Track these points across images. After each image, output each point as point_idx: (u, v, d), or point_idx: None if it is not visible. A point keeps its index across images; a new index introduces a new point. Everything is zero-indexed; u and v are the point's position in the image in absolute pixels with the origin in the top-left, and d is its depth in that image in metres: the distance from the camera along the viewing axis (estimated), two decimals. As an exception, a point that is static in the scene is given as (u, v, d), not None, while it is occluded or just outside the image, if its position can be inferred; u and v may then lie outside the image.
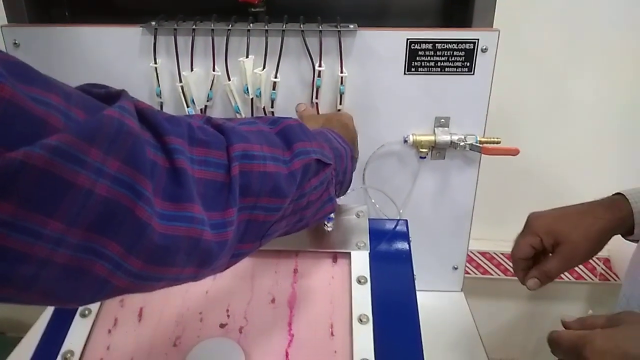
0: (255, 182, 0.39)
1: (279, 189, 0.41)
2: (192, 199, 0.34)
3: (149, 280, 0.33)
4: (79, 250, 0.28)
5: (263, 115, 0.74)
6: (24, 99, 0.25)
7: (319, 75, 0.71)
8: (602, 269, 1.19)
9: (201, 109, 0.74)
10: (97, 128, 0.27)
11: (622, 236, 0.62)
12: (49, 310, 0.78)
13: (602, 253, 1.15)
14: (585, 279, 1.20)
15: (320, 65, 0.70)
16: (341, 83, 0.71)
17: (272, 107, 0.73)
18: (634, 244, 0.66)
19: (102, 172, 0.27)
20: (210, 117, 0.41)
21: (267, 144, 0.41)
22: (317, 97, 0.72)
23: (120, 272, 0.31)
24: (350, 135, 0.61)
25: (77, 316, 0.56)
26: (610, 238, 0.61)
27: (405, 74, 0.73)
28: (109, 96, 0.31)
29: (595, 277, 1.20)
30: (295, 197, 0.44)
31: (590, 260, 1.18)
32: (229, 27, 0.69)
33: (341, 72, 0.71)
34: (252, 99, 0.72)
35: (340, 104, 0.73)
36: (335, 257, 0.63)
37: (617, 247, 1.14)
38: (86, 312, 0.56)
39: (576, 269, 1.19)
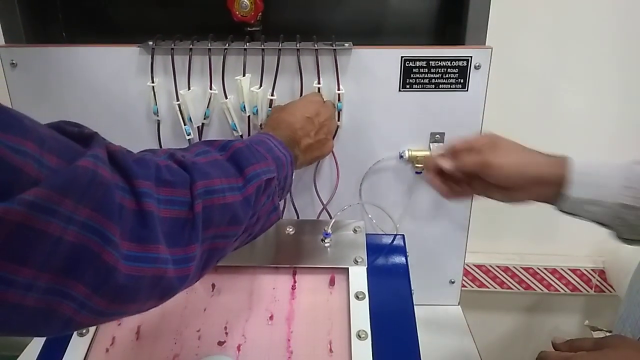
0: (216, 215, 0.41)
1: (237, 216, 0.44)
2: (157, 240, 0.36)
3: (111, 316, 0.35)
4: (48, 293, 0.30)
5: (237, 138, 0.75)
6: (2, 148, 0.26)
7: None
8: (597, 280, 1.19)
9: (198, 127, 0.75)
10: (71, 180, 0.29)
11: (553, 203, 0.60)
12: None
13: (597, 265, 1.17)
14: (581, 291, 1.21)
15: (319, 82, 0.71)
16: (339, 100, 0.72)
17: (268, 124, 0.74)
18: (630, 257, 0.66)
19: (72, 220, 0.29)
20: (173, 153, 0.43)
21: (224, 175, 0.44)
22: None
23: (85, 310, 0.32)
24: (288, 134, 0.60)
25: (74, 335, 0.56)
26: (536, 181, 0.59)
27: (400, 90, 0.74)
28: (82, 136, 0.33)
29: (591, 289, 1.21)
30: (249, 218, 0.46)
31: (586, 272, 1.19)
32: (225, 46, 0.70)
33: (338, 90, 0.72)
34: (249, 116, 0.73)
35: (339, 120, 0.74)
36: (333, 273, 0.63)
37: (612, 259, 1.15)
38: (84, 331, 0.56)
39: (571, 280, 1.20)
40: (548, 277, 1.20)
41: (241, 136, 0.75)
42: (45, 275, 0.29)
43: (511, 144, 0.62)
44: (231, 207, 0.43)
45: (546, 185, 0.59)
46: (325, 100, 0.71)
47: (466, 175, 0.61)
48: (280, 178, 0.52)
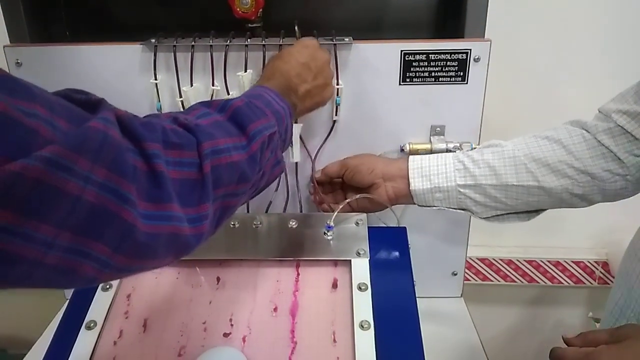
0: (225, 174, 0.42)
1: (244, 174, 0.45)
2: (171, 199, 0.36)
3: (131, 272, 0.37)
4: (69, 252, 0.30)
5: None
6: (14, 111, 0.27)
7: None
8: (600, 272, 1.20)
9: (201, 123, 0.75)
10: (84, 139, 0.30)
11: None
12: (53, 325, 0.78)
13: (600, 257, 1.17)
14: (584, 283, 1.21)
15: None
16: (337, 94, 0.73)
17: (270, 119, 0.75)
18: (632, 249, 0.67)
19: (90, 180, 0.30)
20: (176, 117, 0.43)
21: (228, 135, 0.44)
22: None
23: (108, 269, 0.33)
24: (284, 83, 0.59)
25: (82, 329, 0.56)
26: (386, 176, 0.71)
27: (400, 84, 0.74)
28: (90, 103, 0.34)
29: (594, 281, 1.21)
30: (256, 174, 0.47)
31: (589, 264, 1.19)
32: (227, 43, 0.70)
33: (337, 84, 0.72)
34: (250, 112, 0.74)
35: (336, 114, 0.74)
36: (335, 265, 0.64)
37: (615, 250, 1.16)
38: (91, 324, 0.57)
39: (575, 273, 1.20)
40: (551, 269, 1.20)
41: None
42: (65, 234, 0.29)
43: (366, 154, 0.76)
44: (238, 165, 0.44)
45: (396, 179, 0.70)
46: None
47: (335, 184, 0.74)
48: (281, 131, 0.52)
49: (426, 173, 0.69)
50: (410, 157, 0.71)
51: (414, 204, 0.71)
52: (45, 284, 0.32)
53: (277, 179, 0.55)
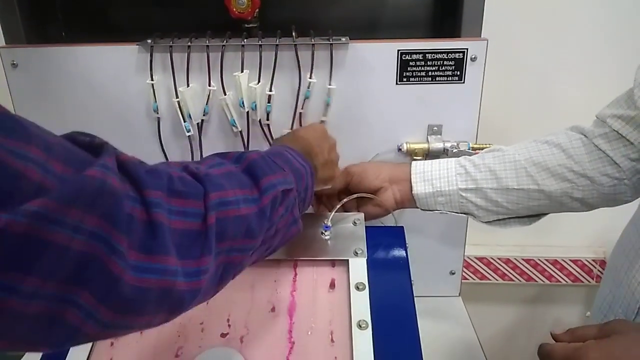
0: (231, 227, 0.40)
1: (252, 229, 0.43)
2: (167, 251, 0.35)
3: (119, 328, 0.34)
4: (53, 301, 0.29)
5: (262, 129, 0.75)
6: (3, 152, 0.26)
7: (308, 87, 0.72)
8: (598, 271, 1.20)
9: (198, 124, 0.75)
10: (79, 190, 0.28)
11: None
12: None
13: (598, 255, 1.18)
14: (582, 282, 1.21)
15: (311, 77, 0.72)
16: (328, 95, 0.73)
17: (267, 119, 0.75)
18: (620, 246, 0.67)
19: (79, 229, 0.28)
20: (187, 165, 0.42)
21: (239, 187, 0.43)
22: (302, 108, 0.74)
23: (92, 321, 0.31)
24: (306, 147, 0.60)
25: (79, 330, 0.56)
26: (391, 180, 0.72)
27: (397, 84, 0.74)
28: (93, 146, 0.33)
29: (592, 279, 1.21)
30: (266, 230, 0.46)
31: (587, 263, 1.19)
32: (223, 43, 0.70)
33: (329, 84, 0.72)
34: (247, 112, 0.74)
35: (325, 115, 0.75)
36: (333, 264, 0.64)
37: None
38: (89, 326, 0.56)
39: (573, 271, 1.21)
40: (549, 268, 1.21)
41: (240, 132, 0.76)
42: (50, 284, 0.28)
43: (367, 162, 0.77)
44: (246, 219, 0.42)
45: (402, 183, 0.71)
46: None
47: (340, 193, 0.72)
48: (300, 190, 0.52)
49: (428, 177, 0.70)
50: (413, 162, 0.72)
51: (418, 207, 0.72)
52: (24, 338, 0.30)
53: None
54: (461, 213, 0.71)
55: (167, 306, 0.36)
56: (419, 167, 0.71)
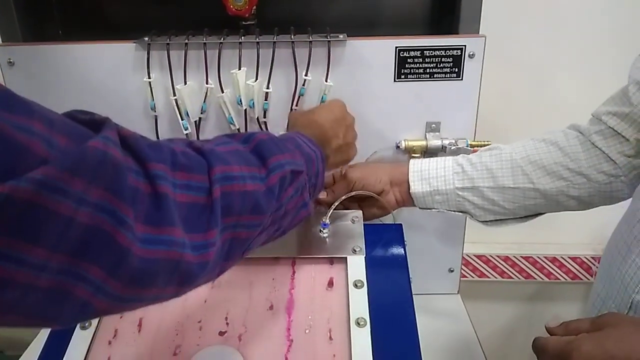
0: (236, 202, 0.40)
1: (259, 206, 0.43)
2: (173, 223, 0.35)
3: (129, 302, 0.34)
4: (62, 274, 0.29)
5: (259, 127, 0.75)
6: (6, 126, 0.26)
7: (303, 84, 0.72)
8: (597, 268, 1.20)
9: (195, 122, 0.75)
10: (80, 159, 0.28)
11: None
12: (49, 325, 0.78)
13: (597, 252, 1.18)
14: (581, 279, 1.21)
15: (307, 75, 0.71)
16: (325, 92, 0.73)
17: (264, 117, 0.74)
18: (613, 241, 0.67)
19: (84, 201, 0.28)
20: (191, 141, 0.42)
21: (245, 164, 0.43)
22: (296, 105, 0.74)
23: (101, 294, 0.31)
24: (319, 133, 0.60)
25: (77, 329, 0.56)
26: (392, 182, 0.72)
27: (395, 81, 0.74)
28: (94, 123, 0.33)
29: (591, 276, 1.21)
30: (274, 210, 0.45)
31: (586, 260, 1.19)
32: (220, 41, 0.70)
33: (326, 81, 0.72)
34: (245, 110, 0.73)
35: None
36: (331, 262, 0.64)
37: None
38: (86, 324, 0.56)
39: (572, 269, 1.20)
40: (548, 265, 1.21)
41: (238, 130, 0.76)
42: (58, 256, 0.28)
43: (363, 164, 0.76)
44: (252, 195, 0.42)
45: (400, 184, 0.71)
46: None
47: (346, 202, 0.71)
48: (310, 174, 0.51)
49: (425, 176, 0.70)
50: (411, 160, 0.72)
51: (413, 205, 0.72)
52: (36, 312, 0.30)
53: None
54: (458, 212, 0.71)
55: (176, 279, 0.36)
56: (416, 166, 0.71)
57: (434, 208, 0.72)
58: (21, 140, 0.26)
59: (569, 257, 1.20)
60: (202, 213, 0.38)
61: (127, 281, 0.32)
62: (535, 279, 1.22)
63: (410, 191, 0.71)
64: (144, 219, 0.33)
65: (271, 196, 0.44)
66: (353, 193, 0.70)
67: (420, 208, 0.72)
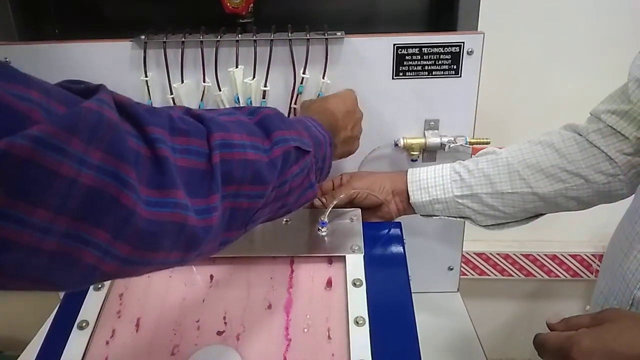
0: (236, 170, 0.40)
1: (261, 176, 0.42)
2: (176, 186, 0.35)
3: (137, 265, 0.34)
4: (67, 238, 0.29)
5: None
6: (5, 95, 0.26)
7: (301, 82, 0.72)
8: (597, 265, 1.20)
9: (193, 120, 0.75)
10: (76, 119, 0.28)
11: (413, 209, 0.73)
12: (46, 325, 0.78)
13: (597, 250, 1.17)
14: (582, 276, 1.21)
15: (304, 73, 0.71)
16: (322, 90, 0.72)
17: (263, 115, 0.74)
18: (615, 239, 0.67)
19: (85, 162, 0.28)
20: (189, 108, 0.42)
21: (247, 133, 0.43)
22: (295, 103, 0.73)
23: (109, 257, 0.32)
24: (334, 122, 0.61)
25: (74, 329, 0.56)
26: (394, 192, 0.72)
27: (393, 78, 0.74)
28: (88, 91, 0.33)
29: (592, 274, 1.21)
30: (278, 184, 0.45)
31: (586, 257, 1.19)
32: (217, 39, 0.70)
33: (323, 79, 0.72)
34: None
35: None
36: (330, 261, 0.63)
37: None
38: (83, 324, 0.56)
39: (572, 266, 1.20)
40: (548, 263, 1.20)
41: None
42: (62, 219, 0.28)
43: (365, 172, 0.75)
44: (253, 164, 0.41)
45: (400, 194, 0.72)
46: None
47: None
48: (317, 156, 0.51)
49: (424, 185, 0.71)
50: (409, 170, 0.72)
51: (415, 213, 0.73)
52: (43, 277, 0.30)
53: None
54: (459, 218, 0.72)
55: (182, 242, 0.36)
56: (414, 176, 0.72)
57: (434, 215, 0.72)
58: (21, 108, 0.26)
59: (569, 255, 1.19)
60: (202, 178, 0.38)
61: (134, 243, 0.32)
62: (535, 276, 1.22)
63: (411, 201, 0.71)
64: (147, 182, 0.33)
65: (273, 169, 0.44)
66: (352, 192, 0.70)
67: (421, 215, 0.73)
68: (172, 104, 0.72)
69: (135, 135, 0.33)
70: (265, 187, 0.43)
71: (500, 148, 0.72)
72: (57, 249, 0.29)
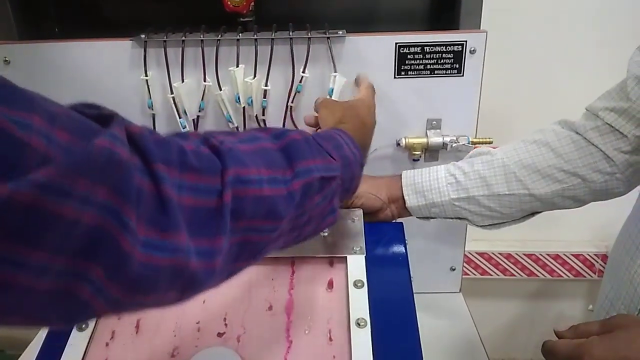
0: (249, 206, 0.38)
1: (275, 211, 0.40)
2: (177, 228, 0.33)
3: (129, 307, 0.33)
4: (63, 276, 0.28)
5: (258, 125, 0.74)
6: (5, 122, 0.25)
7: (300, 81, 0.71)
8: (600, 265, 1.19)
9: (193, 120, 0.74)
10: (86, 159, 0.27)
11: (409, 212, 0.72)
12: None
13: (600, 249, 1.17)
14: (584, 276, 1.21)
15: (304, 72, 0.70)
16: (333, 84, 0.71)
17: (263, 114, 0.74)
18: (620, 241, 0.66)
19: (88, 201, 0.27)
20: (208, 137, 0.39)
21: (266, 166, 0.41)
22: (292, 102, 0.73)
23: (101, 297, 0.30)
24: (364, 137, 0.59)
25: (74, 330, 0.55)
26: (391, 199, 0.72)
27: (395, 77, 0.73)
28: (102, 118, 0.31)
29: (594, 273, 1.21)
30: (295, 216, 0.43)
31: (588, 257, 1.19)
32: (218, 37, 0.69)
33: (334, 71, 0.71)
34: (243, 107, 0.73)
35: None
36: (331, 262, 0.63)
37: (614, 243, 1.15)
38: (83, 326, 0.56)
39: (574, 266, 1.20)
40: (551, 262, 1.20)
41: (237, 128, 0.75)
42: (60, 259, 0.27)
43: (365, 176, 0.70)
44: (268, 200, 0.39)
45: (396, 200, 0.71)
46: None
47: None
48: (345, 177, 0.49)
49: (420, 189, 0.70)
50: (403, 172, 0.72)
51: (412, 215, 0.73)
52: (36, 313, 0.29)
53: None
54: (457, 219, 0.71)
55: (179, 285, 0.35)
56: (409, 179, 0.71)
57: (431, 217, 0.72)
58: (21, 136, 0.25)
59: (571, 254, 1.19)
60: (210, 217, 0.36)
61: (126, 286, 0.31)
62: (537, 276, 1.21)
63: (407, 205, 0.71)
64: (147, 221, 0.31)
65: (290, 202, 0.42)
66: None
67: (418, 218, 0.73)
68: (173, 104, 0.72)
69: (141, 170, 0.32)
70: (279, 222, 0.41)
71: (492, 148, 0.72)
72: (53, 288, 0.28)
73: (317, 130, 0.65)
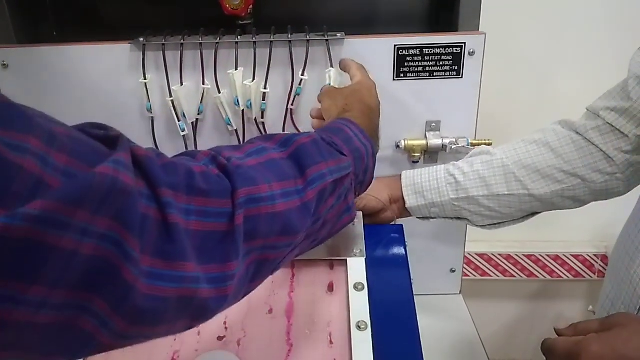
0: (263, 225, 0.37)
1: (290, 226, 0.39)
2: (184, 256, 0.32)
3: (136, 339, 0.32)
4: (64, 309, 0.27)
5: (257, 128, 0.74)
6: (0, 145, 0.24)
7: (300, 84, 0.71)
8: (600, 265, 1.19)
9: (192, 123, 0.74)
10: (86, 189, 0.26)
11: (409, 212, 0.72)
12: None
13: (600, 250, 1.17)
14: (584, 277, 1.21)
15: (303, 74, 0.70)
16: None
17: (262, 117, 0.74)
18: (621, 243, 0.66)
19: (87, 232, 0.26)
20: (216, 156, 0.38)
21: (277, 179, 0.39)
22: (292, 104, 0.73)
23: (106, 330, 0.29)
24: (372, 122, 0.57)
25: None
26: (392, 200, 0.72)
27: (394, 80, 0.73)
28: (108, 139, 0.30)
29: (594, 274, 1.21)
30: (310, 224, 0.42)
31: (588, 258, 1.19)
32: (217, 40, 0.69)
33: (331, 67, 0.70)
34: (242, 110, 0.73)
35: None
36: (331, 264, 0.63)
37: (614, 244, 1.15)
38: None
39: (574, 266, 1.20)
40: (550, 263, 1.20)
41: (236, 131, 0.75)
42: (59, 292, 0.26)
43: None
44: (282, 216, 0.38)
45: (397, 201, 0.71)
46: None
47: None
48: (358, 172, 0.48)
49: (419, 189, 0.70)
50: (403, 173, 0.72)
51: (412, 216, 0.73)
52: (36, 348, 0.28)
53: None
54: (457, 219, 0.72)
55: (189, 315, 0.33)
56: (409, 179, 0.71)
57: (431, 217, 0.72)
58: (15, 160, 0.24)
59: (571, 255, 1.19)
60: (220, 242, 0.34)
61: (132, 319, 0.30)
62: (537, 277, 1.21)
63: (407, 206, 0.71)
64: (152, 250, 0.30)
65: (306, 213, 0.40)
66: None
67: (418, 218, 0.73)
68: (172, 107, 0.72)
69: (147, 196, 0.31)
70: (296, 237, 0.40)
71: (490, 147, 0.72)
72: (53, 321, 0.27)
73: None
